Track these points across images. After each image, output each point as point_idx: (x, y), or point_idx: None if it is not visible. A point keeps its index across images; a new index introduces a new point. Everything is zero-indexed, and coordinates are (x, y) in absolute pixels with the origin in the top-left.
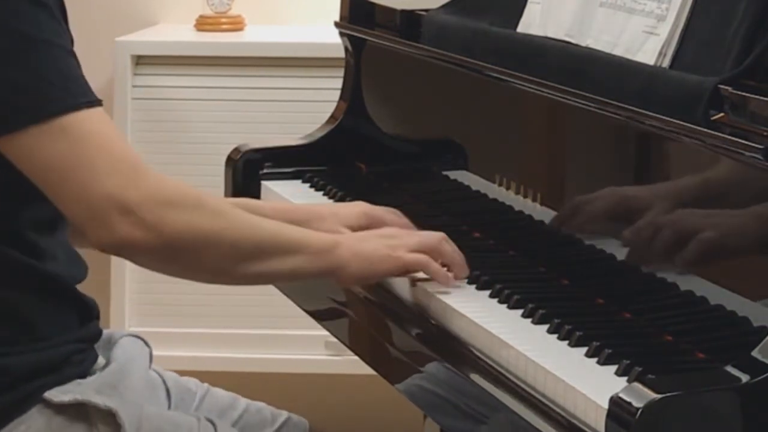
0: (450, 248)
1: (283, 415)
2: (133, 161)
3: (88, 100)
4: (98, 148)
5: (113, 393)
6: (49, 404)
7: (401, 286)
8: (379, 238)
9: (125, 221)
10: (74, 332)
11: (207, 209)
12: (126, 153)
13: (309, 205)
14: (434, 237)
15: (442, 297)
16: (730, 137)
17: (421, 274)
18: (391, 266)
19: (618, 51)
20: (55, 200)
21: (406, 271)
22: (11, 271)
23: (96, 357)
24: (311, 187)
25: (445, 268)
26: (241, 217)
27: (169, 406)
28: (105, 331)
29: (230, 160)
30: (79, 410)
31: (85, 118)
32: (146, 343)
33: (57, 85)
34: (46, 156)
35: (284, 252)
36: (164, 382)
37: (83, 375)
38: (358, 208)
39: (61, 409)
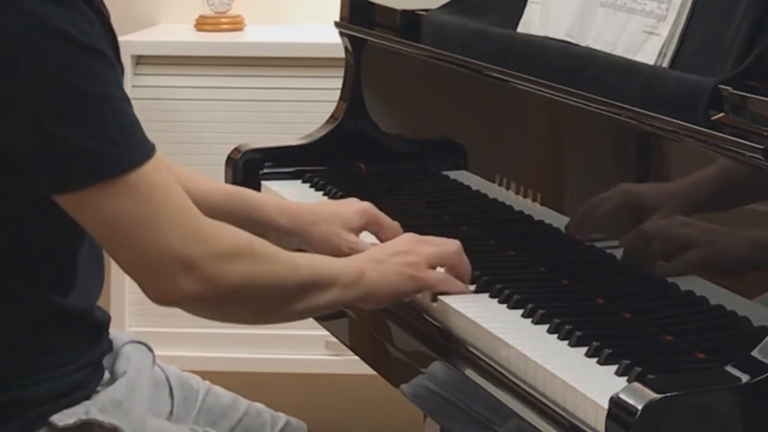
0: (464, 261)
1: (282, 418)
2: (193, 214)
3: (147, 152)
4: (161, 204)
5: (118, 410)
6: (55, 428)
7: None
8: (397, 256)
9: (188, 277)
10: (87, 355)
11: (258, 256)
12: (186, 205)
13: (311, 206)
14: (451, 248)
15: (442, 297)
16: (730, 137)
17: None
18: (414, 287)
19: (618, 51)
20: (113, 253)
21: (426, 290)
22: (32, 307)
23: (103, 373)
24: (311, 187)
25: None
26: (285, 259)
27: (172, 407)
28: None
29: (230, 160)
30: (83, 429)
31: (146, 172)
32: (149, 348)
33: (118, 142)
34: (110, 213)
35: (322, 288)
36: (167, 379)
37: (89, 396)
38: (356, 205)
39: (65, 429)
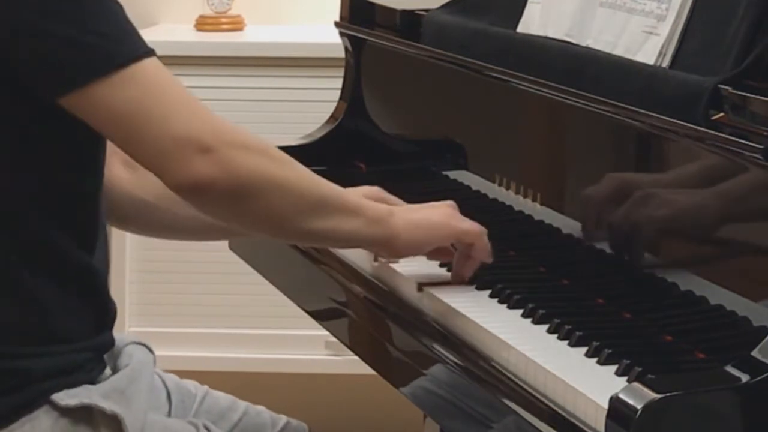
0: (486, 243)
1: (283, 419)
2: (199, 102)
3: (146, 49)
4: (166, 91)
5: (120, 398)
6: (56, 406)
7: (401, 286)
8: (431, 208)
9: (203, 159)
10: (91, 339)
11: (276, 157)
12: (191, 96)
13: None
14: (479, 226)
15: (443, 297)
16: (730, 137)
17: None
18: (444, 234)
19: (618, 51)
20: (129, 147)
21: (456, 239)
22: (56, 259)
23: (105, 367)
24: None
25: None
26: (306, 171)
27: (170, 409)
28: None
29: None
30: (84, 414)
31: (148, 65)
32: (150, 350)
33: (116, 37)
34: (118, 105)
35: (344, 212)
36: (165, 384)
37: (92, 382)
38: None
39: (67, 411)
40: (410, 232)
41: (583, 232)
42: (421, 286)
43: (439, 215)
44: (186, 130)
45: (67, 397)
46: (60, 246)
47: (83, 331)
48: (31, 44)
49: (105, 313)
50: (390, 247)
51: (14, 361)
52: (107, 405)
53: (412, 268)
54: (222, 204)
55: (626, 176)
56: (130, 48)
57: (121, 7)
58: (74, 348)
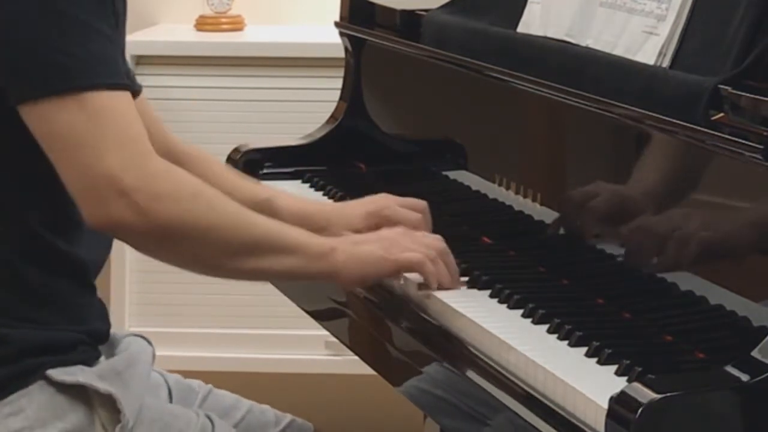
0: (441, 265)
1: (288, 417)
2: (142, 146)
3: (113, 81)
4: (110, 127)
5: (116, 379)
6: (52, 382)
7: (401, 286)
8: (376, 241)
9: (119, 202)
10: (88, 323)
11: (202, 202)
12: (137, 137)
13: (324, 209)
14: (433, 245)
15: (442, 297)
16: (730, 137)
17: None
18: (386, 268)
19: (618, 51)
20: (58, 169)
21: (399, 271)
22: (43, 253)
23: (99, 355)
24: (311, 187)
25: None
26: (237, 213)
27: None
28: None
29: (230, 160)
30: (80, 392)
31: (105, 97)
32: (149, 342)
33: (85, 63)
34: (59, 126)
35: (279, 251)
36: (166, 381)
37: (87, 364)
38: (365, 207)
39: (62, 388)
40: (353, 266)
41: (582, 232)
42: (421, 286)
43: (381, 248)
44: (111, 169)
45: (62, 374)
46: (39, 233)
47: (77, 316)
48: (7, 48)
49: (90, 303)
50: (335, 280)
51: (5, 329)
52: (102, 385)
53: None
54: (139, 245)
55: (626, 176)
56: (91, 75)
57: (107, 37)
58: (68, 329)
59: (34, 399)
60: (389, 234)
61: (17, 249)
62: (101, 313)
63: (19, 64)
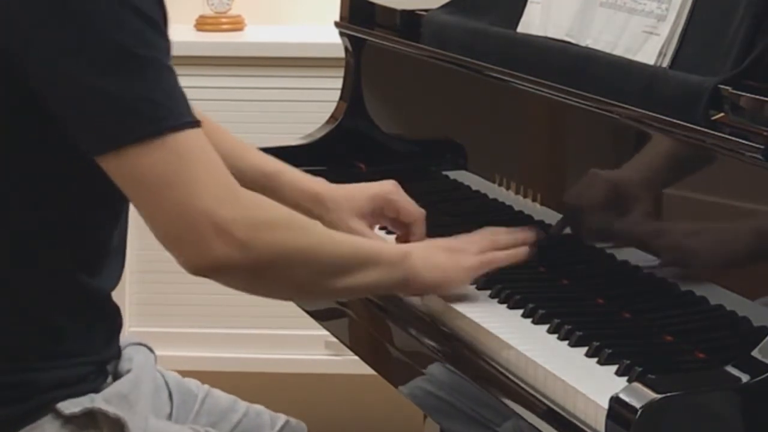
0: (506, 237)
1: (282, 418)
2: (231, 182)
3: (191, 120)
4: (198, 166)
5: (123, 402)
6: (60, 415)
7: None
8: (443, 250)
9: (220, 240)
10: (100, 353)
11: (296, 227)
12: (224, 173)
13: (333, 191)
14: (491, 233)
15: (442, 297)
16: (730, 137)
17: None
18: (463, 276)
19: (618, 51)
20: (146, 215)
21: (472, 275)
22: (62, 287)
23: (107, 375)
24: None
25: None
26: (325, 234)
27: (171, 409)
28: None
29: None
30: (88, 418)
31: (187, 137)
32: (150, 350)
33: (162, 104)
34: (145, 173)
35: (365, 266)
36: (167, 384)
37: (95, 391)
38: (370, 190)
39: (71, 419)
40: (430, 272)
41: (582, 232)
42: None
43: (452, 259)
44: (207, 206)
45: (71, 406)
46: (65, 271)
47: (92, 347)
48: (79, 98)
49: (113, 329)
50: (411, 286)
51: (21, 374)
52: (110, 409)
53: None
54: (243, 281)
55: (626, 176)
56: (176, 117)
57: (174, 72)
58: (81, 362)
59: None
60: (458, 241)
61: (45, 292)
62: (114, 328)
63: (97, 115)
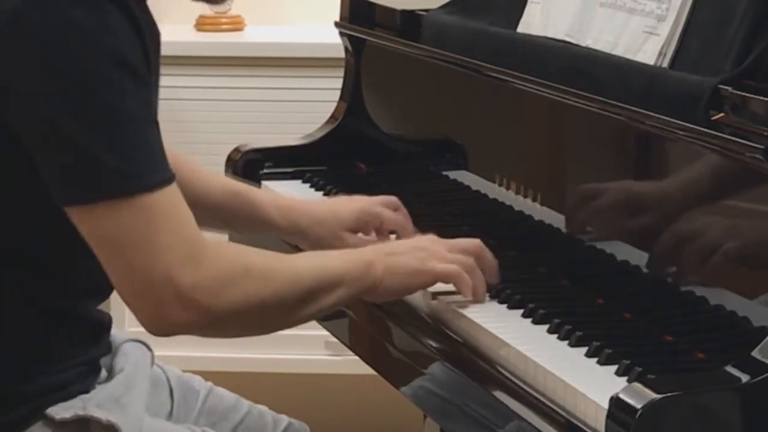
0: (478, 274)
1: (284, 420)
2: (196, 240)
3: (164, 177)
4: (164, 228)
5: (115, 406)
6: (51, 421)
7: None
8: (410, 250)
9: (180, 306)
10: (87, 353)
11: (255, 274)
12: (190, 231)
13: (310, 207)
14: (470, 249)
15: (443, 297)
16: (730, 137)
17: (441, 287)
18: (423, 280)
19: (618, 51)
20: (109, 272)
21: (435, 282)
22: (40, 310)
23: (100, 370)
24: (311, 187)
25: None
26: (285, 270)
27: (172, 405)
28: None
29: (230, 160)
30: (80, 425)
31: (158, 198)
32: (148, 347)
33: (136, 163)
34: (110, 232)
35: (329, 289)
36: (168, 380)
37: (87, 391)
38: (354, 204)
39: (62, 425)
40: (391, 279)
41: (583, 232)
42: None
43: (415, 259)
44: (168, 269)
45: (62, 411)
46: (35, 292)
47: (78, 349)
48: (55, 146)
49: (102, 328)
50: (373, 294)
51: (8, 385)
52: (102, 415)
53: None
54: (207, 335)
55: (625, 176)
56: (148, 177)
57: (154, 125)
58: (69, 365)
59: None
60: (423, 243)
61: (23, 309)
62: (103, 330)
63: (67, 167)
